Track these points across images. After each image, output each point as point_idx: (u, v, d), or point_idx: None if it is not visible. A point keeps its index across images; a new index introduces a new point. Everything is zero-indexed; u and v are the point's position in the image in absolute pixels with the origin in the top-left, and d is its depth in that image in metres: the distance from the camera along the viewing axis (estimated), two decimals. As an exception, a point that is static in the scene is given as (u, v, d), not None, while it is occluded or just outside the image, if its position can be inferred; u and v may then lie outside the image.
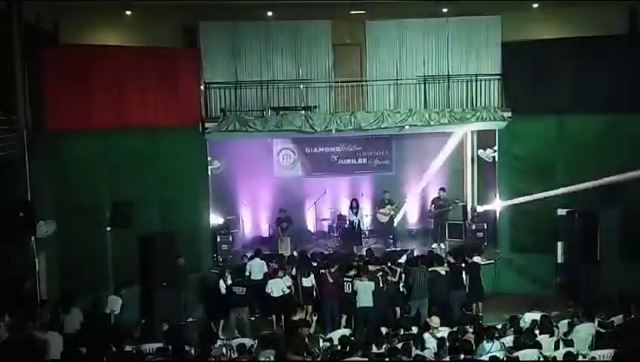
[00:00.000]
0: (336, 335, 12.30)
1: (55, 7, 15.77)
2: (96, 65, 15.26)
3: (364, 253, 16.37)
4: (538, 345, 10.84)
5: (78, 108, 14.91)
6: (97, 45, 16.26)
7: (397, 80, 17.95)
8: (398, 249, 17.70)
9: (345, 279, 14.36)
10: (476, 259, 15.17)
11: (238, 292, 14.40)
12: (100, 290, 14.55)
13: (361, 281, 14.11)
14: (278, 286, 14.60)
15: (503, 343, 11.07)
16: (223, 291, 14.45)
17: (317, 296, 14.81)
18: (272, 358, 10.90)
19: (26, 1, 13.93)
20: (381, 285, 14.18)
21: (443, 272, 14.62)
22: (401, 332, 11.89)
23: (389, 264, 14.79)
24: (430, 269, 14.63)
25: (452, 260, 14.96)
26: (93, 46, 16.13)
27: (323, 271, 14.72)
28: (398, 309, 14.17)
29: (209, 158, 17.38)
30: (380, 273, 14.34)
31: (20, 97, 13.56)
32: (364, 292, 14.02)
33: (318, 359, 11.03)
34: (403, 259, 15.53)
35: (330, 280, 14.47)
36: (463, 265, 14.93)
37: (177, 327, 13.45)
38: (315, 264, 15.47)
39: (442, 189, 18.86)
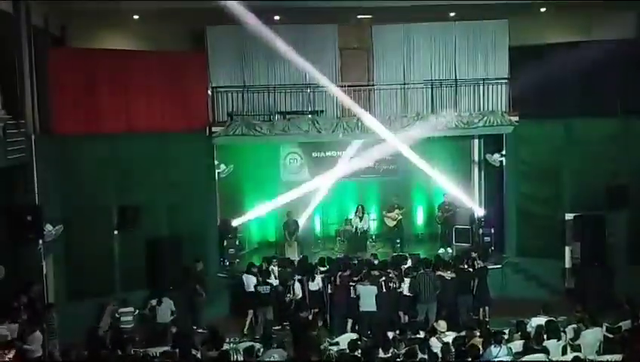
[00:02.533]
0: (342, 339, 12.28)
1: (63, 11, 15.85)
2: (103, 69, 15.34)
3: (369, 258, 16.29)
4: (545, 350, 10.79)
5: (85, 111, 15.01)
6: (105, 49, 16.33)
7: (404, 84, 17.96)
8: (404, 253, 17.61)
9: (349, 283, 14.38)
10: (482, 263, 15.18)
11: (263, 292, 14.67)
12: (107, 293, 14.58)
13: (363, 286, 14.13)
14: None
15: (510, 348, 11.02)
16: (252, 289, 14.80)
17: (326, 300, 14.83)
18: (277, 357, 10.92)
19: (35, 2, 13.99)
20: (384, 290, 14.16)
21: (448, 277, 14.60)
22: (408, 337, 11.85)
23: (389, 270, 14.77)
24: (437, 274, 14.61)
25: (461, 265, 14.92)
26: (101, 50, 16.20)
27: (332, 275, 14.74)
28: (402, 314, 14.16)
29: (216, 162, 17.42)
30: (383, 278, 14.32)
31: (27, 101, 13.62)
32: (367, 297, 14.04)
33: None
34: (409, 263, 15.46)
35: (339, 285, 14.50)
36: (471, 270, 14.91)
37: (186, 331, 13.50)
38: (324, 269, 15.43)
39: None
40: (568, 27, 17.93)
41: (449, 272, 14.67)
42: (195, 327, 14.73)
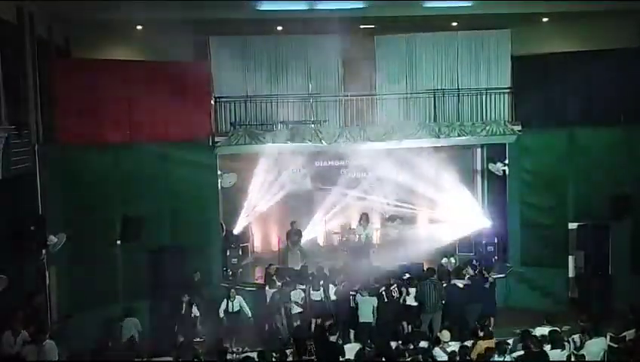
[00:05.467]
0: (346, 349, 12.23)
1: (67, 22, 15.93)
2: (107, 79, 15.34)
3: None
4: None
5: (89, 122, 15.02)
6: (108, 59, 16.40)
7: (407, 94, 17.97)
8: (405, 263, 17.55)
9: (350, 293, 14.37)
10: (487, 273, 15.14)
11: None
12: (109, 303, 14.57)
13: (361, 296, 14.10)
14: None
15: (515, 357, 10.99)
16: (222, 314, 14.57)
17: (329, 309, 14.79)
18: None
19: (39, 13, 14.06)
20: (385, 300, 14.12)
21: (461, 285, 14.54)
22: (411, 347, 11.81)
23: (392, 279, 14.76)
24: (452, 282, 14.57)
25: (472, 273, 14.88)
26: (104, 60, 16.28)
27: (336, 285, 14.72)
28: (405, 324, 14.11)
29: (219, 172, 17.43)
30: (383, 288, 14.27)
31: (31, 111, 13.67)
32: (365, 307, 14.00)
33: None
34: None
35: (341, 295, 14.49)
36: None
37: (190, 341, 13.46)
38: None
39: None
40: (570, 37, 17.98)
41: (461, 280, 14.61)
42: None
